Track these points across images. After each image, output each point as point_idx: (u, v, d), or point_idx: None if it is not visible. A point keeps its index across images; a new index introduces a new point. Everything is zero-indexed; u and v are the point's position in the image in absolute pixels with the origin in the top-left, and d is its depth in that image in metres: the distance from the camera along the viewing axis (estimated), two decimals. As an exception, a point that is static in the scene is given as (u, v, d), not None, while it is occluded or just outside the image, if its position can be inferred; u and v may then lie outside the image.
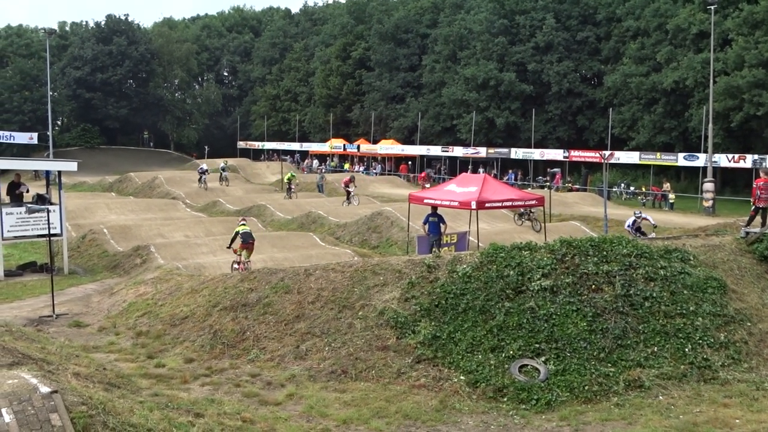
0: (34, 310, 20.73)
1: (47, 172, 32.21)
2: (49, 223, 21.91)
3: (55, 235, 24.45)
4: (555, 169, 57.16)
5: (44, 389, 9.75)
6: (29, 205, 22.46)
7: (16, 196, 26.80)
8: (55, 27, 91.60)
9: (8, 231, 25.47)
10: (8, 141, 72.39)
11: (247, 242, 23.88)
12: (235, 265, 23.67)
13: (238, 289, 17.69)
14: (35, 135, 71.84)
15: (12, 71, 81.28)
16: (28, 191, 27.68)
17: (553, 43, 60.85)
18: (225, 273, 21.69)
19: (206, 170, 53.47)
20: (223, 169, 57.43)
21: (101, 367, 14.17)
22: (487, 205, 25.03)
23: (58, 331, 18.08)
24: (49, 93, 65.78)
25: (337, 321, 15.68)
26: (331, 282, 16.83)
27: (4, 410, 9.17)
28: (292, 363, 14.98)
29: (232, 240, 24.07)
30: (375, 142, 74.31)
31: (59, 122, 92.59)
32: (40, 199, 26.66)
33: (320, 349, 15.16)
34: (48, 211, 22.24)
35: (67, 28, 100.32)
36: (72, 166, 27.72)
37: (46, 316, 19.71)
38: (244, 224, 25.00)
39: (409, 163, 71.34)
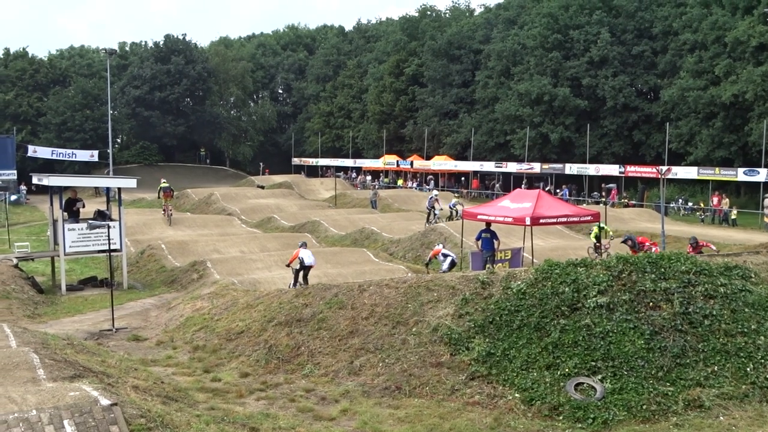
0: (95, 323, 21.16)
1: (107, 189, 32.89)
2: (109, 239, 22.37)
3: (115, 250, 24.91)
4: (611, 185, 56.44)
5: (105, 402, 9.94)
6: (91, 221, 22.91)
7: (73, 212, 27.40)
8: (116, 47, 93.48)
9: (70, 246, 26.05)
10: (71, 158, 74.12)
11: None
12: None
13: (293, 305, 17.81)
14: (96, 153, 73.50)
15: (74, 91, 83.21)
16: (84, 206, 28.28)
17: (608, 57, 60.24)
18: (280, 288, 21.89)
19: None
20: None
21: (159, 381, 14.38)
22: (541, 221, 24.80)
23: (118, 345, 18.41)
24: (110, 111, 67.20)
25: (391, 337, 15.67)
26: (384, 298, 16.85)
27: (66, 422, 9.37)
28: (346, 378, 15.02)
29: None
30: (428, 158, 74.24)
31: (119, 140, 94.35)
32: (101, 216, 27.21)
33: (374, 364, 15.17)
34: (108, 227, 22.73)
35: (127, 48, 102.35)
36: (131, 182, 28.27)
37: (106, 330, 20.09)
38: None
39: (463, 179, 71.12)
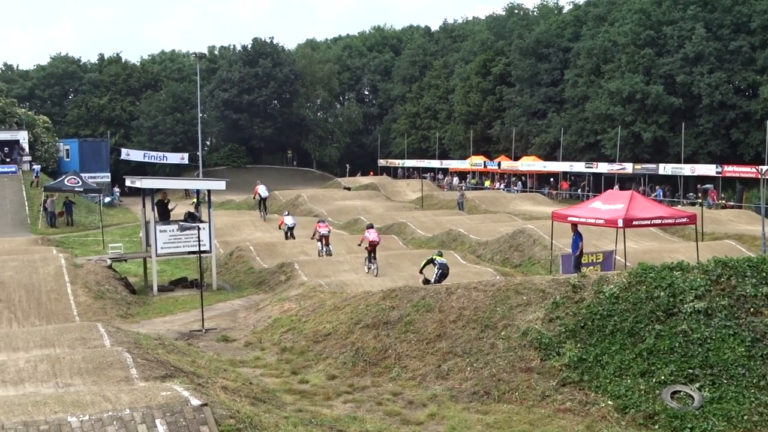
0: (185, 324, 21.63)
1: (197, 191, 33.62)
2: (199, 241, 22.83)
3: (204, 252, 25.42)
4: (707, 186, 54.82)
5: (195, 402, 10.11)
6: (181, 223, 23.48)
7: (164, 214, 28.05)
8: (205, 51, 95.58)
9: (161, 248, 26.70)
10: (162, 161, 76.20)
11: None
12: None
13: (380, 307, 17.83)
14: (186, 155, 75.35)
15: (165, 95, 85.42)
16: (173, 208, 28.97)
17: (704, 53, 58.48)
18: (367, 291, 21.96)
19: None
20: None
21: (248, 382, 14.58)
22: (634, 223, 24.24)
23: (207, 345, 18.77)
24: (199, 115, 68.77)
25: (480, 341, 15.54)
26: (473, 301, 16.72)
27: (158, 421, 9.57)
28: (433, 382, 14.94)
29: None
30: (516, 158, 73.54)
31: (208, 142, 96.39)
32: (191, 217, 27.81)
33: (462, 369, 15.06)
34: (198, 229, 23.21)
35: (216, 52, 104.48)
36: (221, 185, 28.81)
37: (196, 331, 20.51)
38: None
39: (551, 180, 70.15)
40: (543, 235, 31.70)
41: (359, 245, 30.04)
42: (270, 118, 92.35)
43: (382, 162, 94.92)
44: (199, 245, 22.69)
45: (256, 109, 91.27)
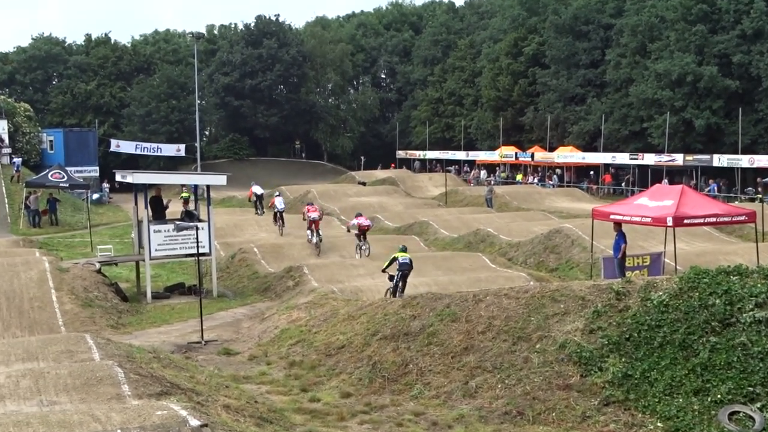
0: (182, 335, 21.73)
1: (195, 187, 33.71)
2: (197, 242, 22.90)
3: (203, 254, 25.50)
4: (768, 179, 54.49)
5: (194, 422, 10.15)
6: (178, 223, 23.55)
7: (158, 212, 28.12)
8: (203, 31, 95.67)
9: (156, 250, 26.77)
10: (155, 153, 76.56)
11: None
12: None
13: (400, 316, 17.87)
14: (182, 146, 75.64)
15: (159, 79, 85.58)
16: (167, 207, 29.09)
17: (764, 30, 58.10)
18: (384, 298, 22.00)
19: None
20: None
21: (252, 400, 14.63)
22: (686, 221, 24.10)
23: (207, 359, 18.84)
24: (197, 101, 68.99)
25: (511, 354, 15.52)
26: (503, 309, 16.72)
27: (153, 444, 9.61)
28: (460, 401, 14.94)
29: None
30: (551, 149, 73.37)
31: (207, 132, 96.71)
32: (188, 216, 27.88)
33: (492, 386, 15.05)
34: (197, 229, 23.28)
35: (216, 32, 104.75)
36: (221, 179, 28.87)
37: (195, 342, 20.60)
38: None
39: (591, 173, 69.93)
40: (582, 235, 31.58)
41: (348, 231, 35.07)
42: (275, 104, 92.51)
43: (401, 153, 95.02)
44: (198, 247, 22.78)
45: (260, 94, 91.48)
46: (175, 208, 30.76)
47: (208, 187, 29.33)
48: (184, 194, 46.42)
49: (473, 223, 40.95)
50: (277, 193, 43.91)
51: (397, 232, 40.74)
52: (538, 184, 67.51)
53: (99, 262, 28.07)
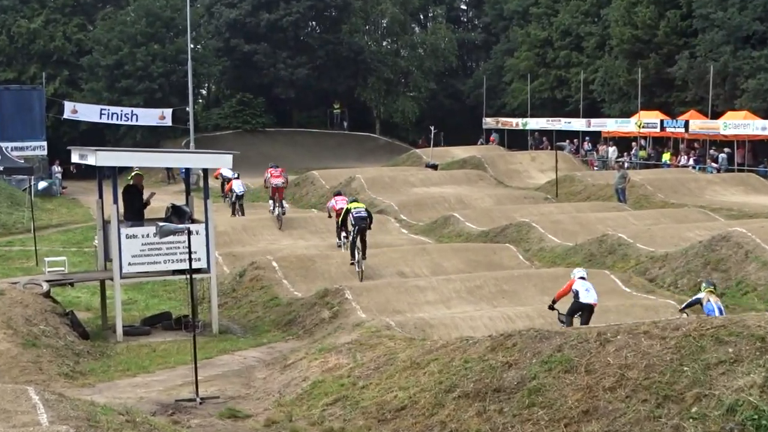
0: (168, 389, 21.89)
1: (186, 171, 33.94)
2: (190, 253, 23.02)
3: (198, 270, 25.63)
4: None
5: None
6: (162, 225, 23.61)
7: (137, 209, 28.38)
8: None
9: (129, 264, 26.96)
10: (129, 122, 76.89)
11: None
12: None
13: (488, 364, 17.88)
14: (168, 112, 75.97)
15: (135, 13, 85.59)
16: (149, 203, 29.25)
17: None
18: (465, 336, 21.93)
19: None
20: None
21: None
22: None
23: (205, 425, 18.98)
24: (190, 46, 69.16)
25: (655, 422, 15.46)
26: (642, 355, 16.67)
27: None
28: (578, 490, 14.96)
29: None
30: (715, 115, 72.65)
31: (204, 91, 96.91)
32: (177, 214, 28.02)
33: (626, 468, 15.04)
34: (189, 233, 23.39)
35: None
36: (225, 160, 29.05)
37: (186, 400, 20.73)
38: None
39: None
40: (762, 244, 31.30)
41: (329, 217, 38.95)
42: (304, 50, 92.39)
43: (489, 122, 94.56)
44: (191, 260, 22.91)
45: (281, 36, 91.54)
46: (160, 203, 30.97)
47: (205, 171, 29.50)
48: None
49: (597, 225, 40.97)
50: (236, 175, 47.00)
51: (483, 239, 40.70)
52: (694, 168, 66.84)
53: (47, 281, 28.23)
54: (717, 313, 23.14)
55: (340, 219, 32.90)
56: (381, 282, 31.01)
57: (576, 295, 24.54)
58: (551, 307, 24.87)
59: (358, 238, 26.52)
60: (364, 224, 26.51)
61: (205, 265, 27.12)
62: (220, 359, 24.68)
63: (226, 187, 46.28)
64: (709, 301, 23.73)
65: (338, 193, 39.31)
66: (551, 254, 37.62)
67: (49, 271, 30.39)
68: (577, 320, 24.16)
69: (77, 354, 24.73)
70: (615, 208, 47.72)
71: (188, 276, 23.76)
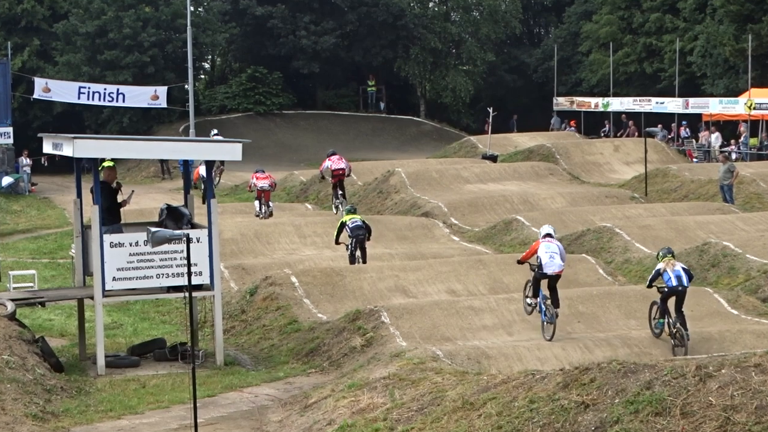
0: (161, 434, 21.77)
1: (185, 164, 33.87)
2: (189, 265, 22.81)
3: (199, 287, 25.51)
4: None
5: None
6: (155, 231, 23.38)
7: (113, 210, 28.18)
8: None
9: (114, 279, 26.88)
10: (114, 103, 77.15)
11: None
12: None
13: (559, 405, 18.00)
14: (162, 91, 76.33)
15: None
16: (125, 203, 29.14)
17: None
18: (530, 370, 21.69)
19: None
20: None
21: None
22: None
23: (207, 482, 18.81)
24: (189, 8, 69.41)
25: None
26: (753, 393, 16.68)
27: None
28: None
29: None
30: None
31: (207, 65, 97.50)
32: (173, 217, 27.93)
33: None
34: (188, 241, 23.19)
35: None
36: (233, 151, 28.88)
37: (184, 451, 20.59)
38: None
39: None
40: None
41: (322, 179, 43.67)
42: (331, 14, 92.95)
43: (562, 102, 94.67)
44: (190, 274, 22.72)
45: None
46: (152, 203, 30.88)
47: (209, 164, 29.46)
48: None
49: (697, 231, 40.97)
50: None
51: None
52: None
53: (12, 300, 28.31)
54: (675, 281, 26.04)
55: (335, 234, 33.32)
56: (426, 302, 30.96)
57: (540, 263, 26.00)
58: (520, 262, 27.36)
59: (357, 249, 27.95)
60: (362, 234, 27.51)
61: (207, 281, 27.23)
62: (226, 397, 24.68)
63: (194, 173, 44.45)
64: (666, 271, 26.20)
65: (333, 153, 41.05)
66: (639, 267, 37.47)
67: (14, 288, 30.40)
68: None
69: (48, 390, 24.74)
70: (719, 210, 47.66)
71: (186, 294, 23.56)
